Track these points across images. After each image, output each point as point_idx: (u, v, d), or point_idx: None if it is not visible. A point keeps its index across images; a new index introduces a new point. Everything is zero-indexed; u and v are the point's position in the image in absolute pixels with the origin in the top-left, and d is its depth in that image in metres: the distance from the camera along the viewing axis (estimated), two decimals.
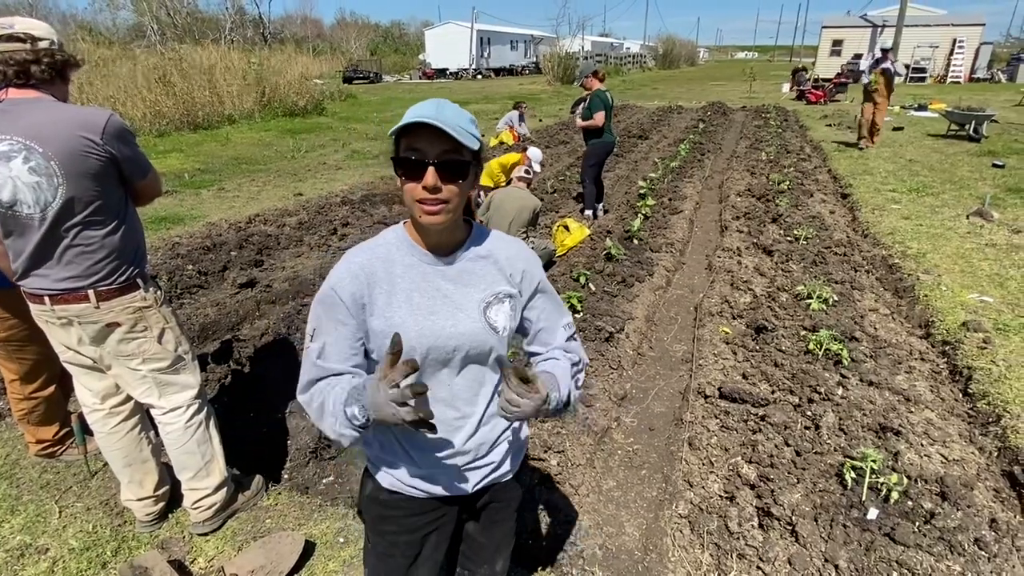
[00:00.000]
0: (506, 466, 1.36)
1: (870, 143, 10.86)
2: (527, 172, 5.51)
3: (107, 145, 1.80)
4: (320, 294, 1.16)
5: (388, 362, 0.98)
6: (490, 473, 1.32)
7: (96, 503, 2.50)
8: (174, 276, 4.73)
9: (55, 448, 2.74)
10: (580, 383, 1.30)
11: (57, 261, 1.85)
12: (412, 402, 0.96)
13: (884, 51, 10.52)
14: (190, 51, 16.97)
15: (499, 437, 1.32)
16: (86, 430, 2.43)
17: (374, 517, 1.36)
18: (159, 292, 2.10)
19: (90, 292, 1.90)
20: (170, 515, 2.40)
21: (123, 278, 1.96)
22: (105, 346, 2.00)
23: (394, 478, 1.28)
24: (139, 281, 2.01)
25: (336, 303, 1.14)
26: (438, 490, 1.28)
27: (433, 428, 1.01)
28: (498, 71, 45.12)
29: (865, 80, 10.64)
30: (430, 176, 1.05)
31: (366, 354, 1.21)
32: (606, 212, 7.15)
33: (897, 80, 10.89)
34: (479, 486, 1.31)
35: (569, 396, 1.20)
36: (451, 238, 1.19)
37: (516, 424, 1.37)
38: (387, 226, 1.40)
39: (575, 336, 1.36)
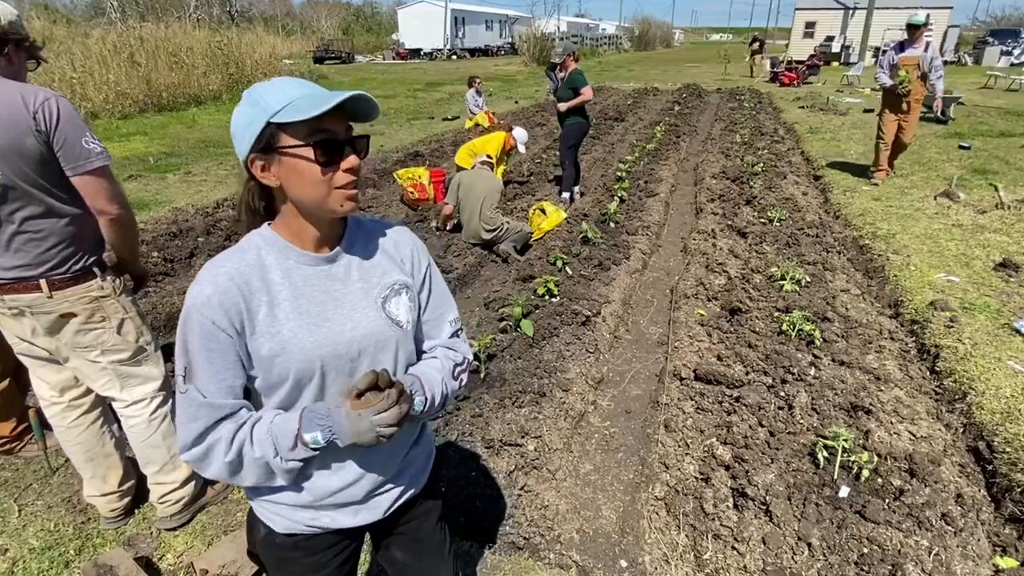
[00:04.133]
0: (419, 481, 1.24)
1: (888, 172, 7.23)
2: (488, 157, 5.55)
3: (39, 125, 1.66)
4: (186, 321, 0.97)
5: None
6: (403, 494, 1.20)
7: (58, 500, 2.42)
8: None
9: (13, 444, 2.64)
10: (463, 383, 1.21)
11: (5, 248, 1.76)
12: (389, 415, 0.95)
13: (913, 28, 6.41)
14: (153, 29, 16.36)
15: (409, 452, 1.21)
16: (45, 425, 2.34)
17: (272, 561, 1.20)
18: (118, 281, 2.01)
19: (42, 281, 1.81)
20: (136, 510, 2.34)
21: (78, 267, 1.87)
22: (61, 337, 1.92)
23: (289, 520, 1.12)
24: (96, 270, 1.93)
25: (208, 327, 0.95)
26: (344, 523, 1.14)
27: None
28: (473, 51, 44.57)
29: (885, 80, 6.59)
30: (353, 156, 0.98)
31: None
32: (583, 195, 7.12)
33: (940, 77, 6.56)
34: (391, 510, 1.19)
35: (442, 398, 1.12)
36: (333, 231, 1.07)
37: (424, 431, 1.27)
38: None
39: (461, 331, 1.24)
